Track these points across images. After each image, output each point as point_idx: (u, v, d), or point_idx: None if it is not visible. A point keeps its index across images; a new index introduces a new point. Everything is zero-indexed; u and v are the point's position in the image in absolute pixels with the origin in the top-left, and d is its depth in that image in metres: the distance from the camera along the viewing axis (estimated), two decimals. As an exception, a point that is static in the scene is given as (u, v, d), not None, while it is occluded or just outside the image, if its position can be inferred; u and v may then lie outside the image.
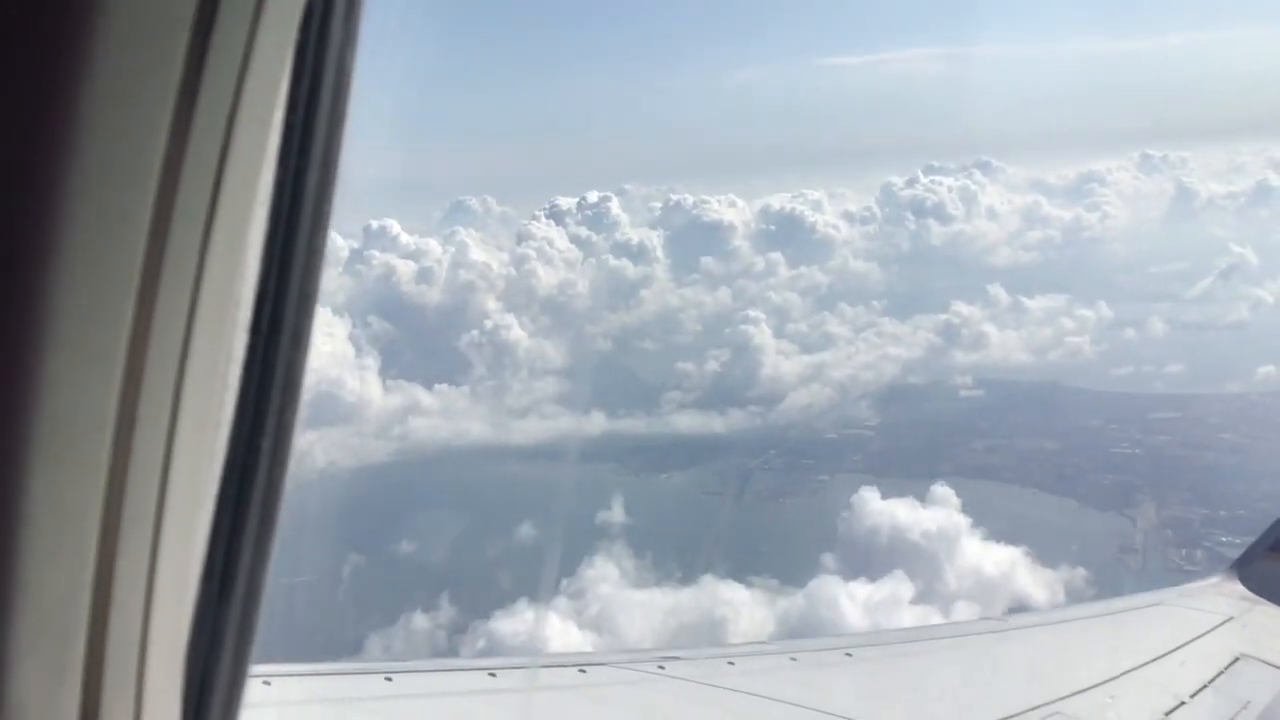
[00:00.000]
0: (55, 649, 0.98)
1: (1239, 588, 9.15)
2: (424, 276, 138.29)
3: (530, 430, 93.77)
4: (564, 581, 60.13)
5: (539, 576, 49.84)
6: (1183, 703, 6.45)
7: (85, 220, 0.89)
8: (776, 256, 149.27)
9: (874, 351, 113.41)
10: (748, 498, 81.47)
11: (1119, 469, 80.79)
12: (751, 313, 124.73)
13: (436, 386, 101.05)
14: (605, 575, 64.71)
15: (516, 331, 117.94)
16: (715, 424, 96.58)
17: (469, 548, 69.10)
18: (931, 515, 68.36)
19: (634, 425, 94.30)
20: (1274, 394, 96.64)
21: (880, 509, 69.30)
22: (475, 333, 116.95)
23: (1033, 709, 5.95)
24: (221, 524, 1.13)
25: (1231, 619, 8.20)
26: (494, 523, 70.52)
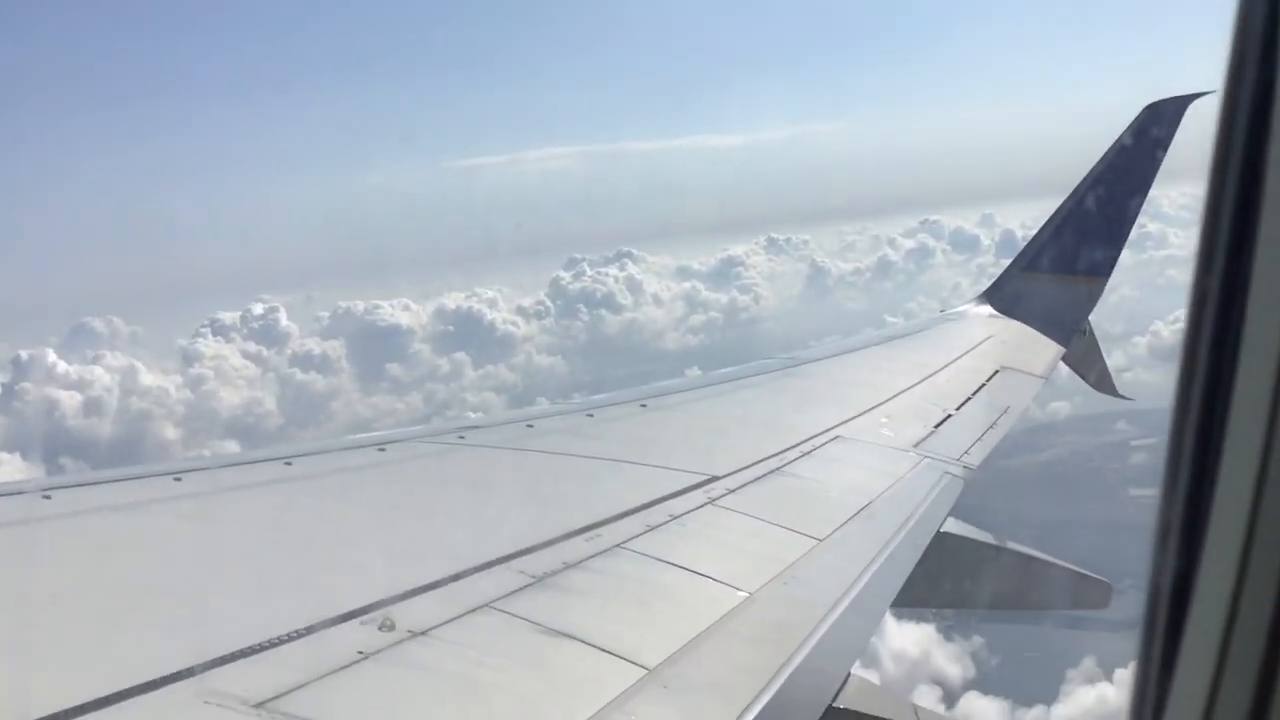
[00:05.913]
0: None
1: (990, 310, 9.87)
2: (93, 408, 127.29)
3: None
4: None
5: None
6: (949, 415, 6.84)
7: None
8: (461, 357, 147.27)
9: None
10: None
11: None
12: (471, 415, 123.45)
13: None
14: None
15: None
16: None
17: None
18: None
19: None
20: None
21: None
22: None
23: (815, 435, 6.16)
24: None
25: (990, 337, 8.81)
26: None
